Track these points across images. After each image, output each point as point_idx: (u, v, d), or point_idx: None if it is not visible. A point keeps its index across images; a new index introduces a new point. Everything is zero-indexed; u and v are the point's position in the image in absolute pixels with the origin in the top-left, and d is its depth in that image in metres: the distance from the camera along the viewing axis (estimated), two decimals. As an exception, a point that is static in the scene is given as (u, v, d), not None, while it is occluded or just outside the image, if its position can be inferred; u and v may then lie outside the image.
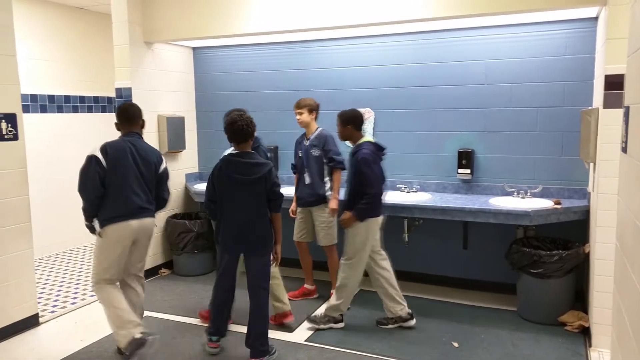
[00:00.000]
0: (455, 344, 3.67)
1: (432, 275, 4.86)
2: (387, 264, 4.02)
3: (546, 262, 3.84)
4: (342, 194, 4.14)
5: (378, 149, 3.84)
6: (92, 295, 4.69)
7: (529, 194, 4.29)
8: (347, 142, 4.14)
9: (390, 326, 3.96)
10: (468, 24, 4.34)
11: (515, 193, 4.34)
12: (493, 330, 3.88)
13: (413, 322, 3.96)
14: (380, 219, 3.88)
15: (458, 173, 4.57)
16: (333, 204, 4.23)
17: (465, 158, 4.52)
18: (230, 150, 3.59)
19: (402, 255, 4.94)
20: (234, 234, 3.36)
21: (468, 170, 4.52)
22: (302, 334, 3.87)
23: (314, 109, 4.34)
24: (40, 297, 4.53)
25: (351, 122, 3.88)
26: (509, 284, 4.45)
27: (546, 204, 4.10)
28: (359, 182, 3.71)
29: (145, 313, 4.23)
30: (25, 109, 4.93)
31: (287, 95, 5.25)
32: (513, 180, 4.45)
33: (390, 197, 4.52)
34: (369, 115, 4.90)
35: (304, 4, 4.41)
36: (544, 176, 4.36)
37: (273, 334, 3.84)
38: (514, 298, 4.27)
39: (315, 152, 4.32)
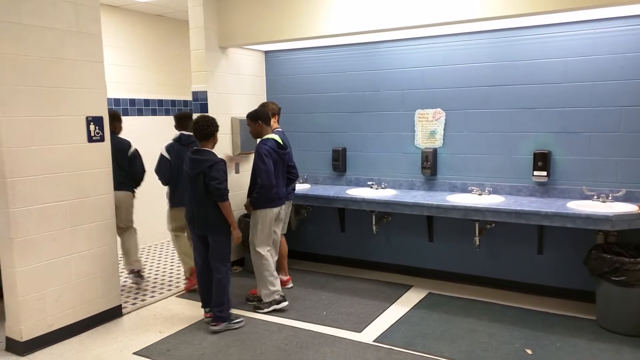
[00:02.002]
0: (529, 351, 3.55)
1: (505, 280, 4.72)
2: (274, 252, 4.48)
3: (630, 269, 3.63)
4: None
5: (280, 147, 4.23)
6: (170, 289, 4.95)
7: (610, 197, 4.07)
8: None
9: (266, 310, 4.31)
10: (545, 20, 4.18)
11: (595, 197, 4.13)
12: (570, 339, 3.72)
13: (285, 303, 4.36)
14: (275, 210, 4.28)
15: (534, 175, 4.41)
16: None
17: (542, 160, 4.35)
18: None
19: (473, 259, 4.84)
20: (189, 217, 4.02)
21: (544, 173, 4.36)
22: (369, 334, 3.88)
23: (276, 112, 4.69)
24: (122, 290, 4.81)
25: (259, 118, 4.25)
26: (587, 291, 4.25)
27: (630, 208, 3.87)
28: (254, 174, 4.22)
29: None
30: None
31: (356, 97, 5.28)
32: (593, 184, 4.24)
33: (462, 199, 4.45)
34: (439, 115, 4.84)
35: (374, 5, 4.41)
36: (628, 179, 4.13)
37: (339, 332, 3.90)
38: (593, 306, 4.07)
39: None
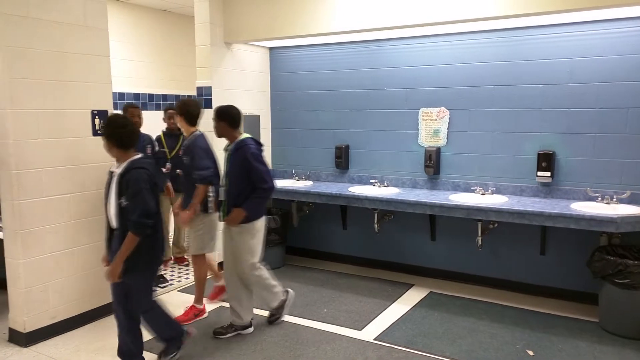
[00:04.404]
0: (530, 353, 3.54)
1: (507, 280, 4.71)
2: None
3: (634, 272, 3.62)
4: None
5: (259, 145, 3.79)
6: (171, 283, 4.96)
7: (615, 199, 4.06)
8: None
9: (228, 335, 3.82)
10: (552, 20, 4.16)
11: (600, 198, 4.12)
12: (572, 340, 3.71)
13: (251, 329, 3.90)
14: (265, 218, 3.83)
15: (537, 176, 4.40)
16: (183, 218, 4.00)
17: (546, 160, 4.34)
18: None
19: (475, 259, 4.84)
20: (163, 243, 3.26)
21: (548, 173, 4.34)
22: (370, 332, 3.88)
23: (183, 112, 4.02)
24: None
25: (225, 118, 3.72)
26: (589, 294, 4.25)
27: (635, 210, 3.86)
28: (248, 178, 3.61)
29: (218, 304, 4.43)
30: (114, 107, 5.26)
31: (360, 95, 5.27)
32: (597, 185, 4.23)
33: (465, 198, 4.44)
34: (443, 114, 4.83)
35: (379, 2, 4.40)
36: (633, 181, 4.11)
37: (340, 330, 3.90)
38: (595, 308, 4.06)
39: (186, 159, 4.03)
